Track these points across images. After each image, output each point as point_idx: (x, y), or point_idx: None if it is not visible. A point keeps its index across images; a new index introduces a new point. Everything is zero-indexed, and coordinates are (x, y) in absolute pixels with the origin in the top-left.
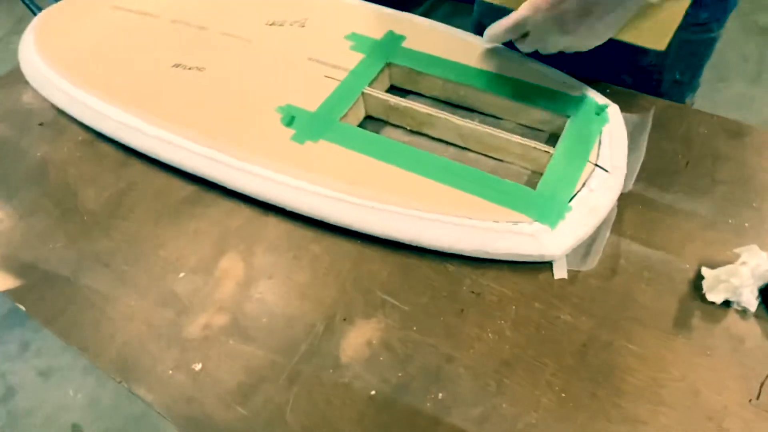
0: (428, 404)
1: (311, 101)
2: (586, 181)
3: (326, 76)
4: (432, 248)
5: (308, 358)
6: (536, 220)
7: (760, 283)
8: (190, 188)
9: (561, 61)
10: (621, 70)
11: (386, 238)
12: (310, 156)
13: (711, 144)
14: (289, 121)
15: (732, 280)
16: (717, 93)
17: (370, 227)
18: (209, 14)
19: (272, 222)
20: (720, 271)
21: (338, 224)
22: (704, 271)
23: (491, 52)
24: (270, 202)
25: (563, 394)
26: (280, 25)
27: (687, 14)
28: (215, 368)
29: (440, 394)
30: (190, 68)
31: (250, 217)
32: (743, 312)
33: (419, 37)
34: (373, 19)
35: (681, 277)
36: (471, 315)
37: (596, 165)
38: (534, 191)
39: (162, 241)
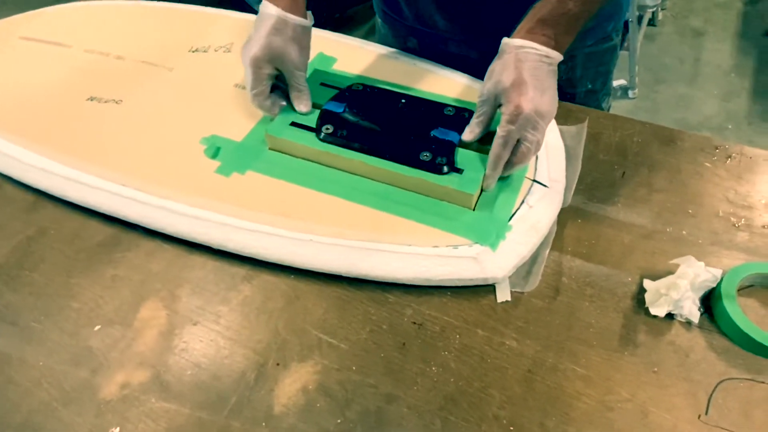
0: None
1: (238, 130)
2: (525, 197)
3: None
4: (371, 279)
5: (238, 411)
6: (476, 242)
7: (701, 294)
8: (107, 230)
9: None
10: None
11: (322, 271)
12: (237, 189)
13: (645, 152)
14: (214, 153)
15: (671, 294)
16: (657, 95)
17: (303, 261)
18: (127, 43)
19: (198, 261)
20: (660, 284)
21: (269, 260)
22: (646, 283)
23: (414, 70)
24: (194, 240)
25: (511, 428)
26: (204, 51)
27: (593, 29)
28: None
29: None
30: (106, 101)
31: (174, 257)
32: (687, 324)
33: (351, 59)
34: None
35: (623, 292)
36: (413, 348)
37: (534, 180)
38: (473, 212)
39: (75, 292)
